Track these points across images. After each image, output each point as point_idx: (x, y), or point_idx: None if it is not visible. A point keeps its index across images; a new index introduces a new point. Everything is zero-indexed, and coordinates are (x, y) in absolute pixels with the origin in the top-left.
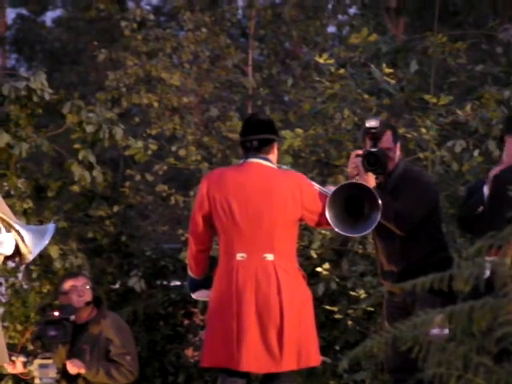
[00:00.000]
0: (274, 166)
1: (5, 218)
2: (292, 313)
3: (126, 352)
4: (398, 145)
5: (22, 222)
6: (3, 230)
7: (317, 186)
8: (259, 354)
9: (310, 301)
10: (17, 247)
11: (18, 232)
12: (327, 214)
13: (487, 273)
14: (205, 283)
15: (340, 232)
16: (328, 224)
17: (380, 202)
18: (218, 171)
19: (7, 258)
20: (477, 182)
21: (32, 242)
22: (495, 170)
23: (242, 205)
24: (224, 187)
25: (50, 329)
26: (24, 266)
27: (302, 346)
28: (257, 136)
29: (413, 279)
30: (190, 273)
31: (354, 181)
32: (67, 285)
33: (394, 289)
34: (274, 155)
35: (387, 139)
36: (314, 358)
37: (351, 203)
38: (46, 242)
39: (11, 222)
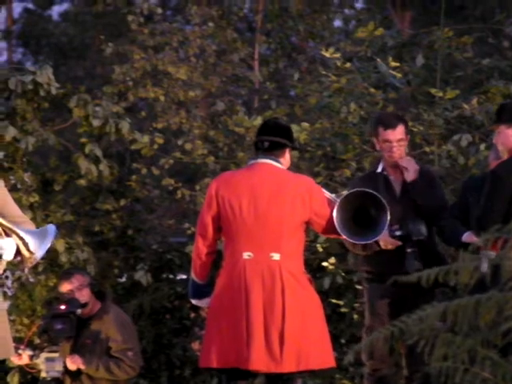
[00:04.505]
0: (283, 168)
1: (5, 223)
2: (294, 315)
3: (128, 348)
4: (408, 137)
5: (26, 219)
6: (3, 234)
7: (326, 193)
8: (263, 352)
9: (316, 304)
10: (17, 250)
11: (19, 237)
12: (334, 219)
13: (485, 267)
14: (207, 289)
15: (347, 238)
16: (335, 232)
17: (388, 208)
18: (227, 173)
19: None
20: (472, 179)
21: (35, 247)
22: (492, 164)
23: (251, 203)
24: (233, 186)
25: (57, 322)
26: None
27: (303, 349)
28: (269, 137)
29: None
30: (192, 276)
31: (362, 188)
32: (63, 288)
33: None
34: (285, 160)
35: (401, 131)
36: (317, 362)
37: (359, 215)
38: (48, 245)
39: (13, 228)
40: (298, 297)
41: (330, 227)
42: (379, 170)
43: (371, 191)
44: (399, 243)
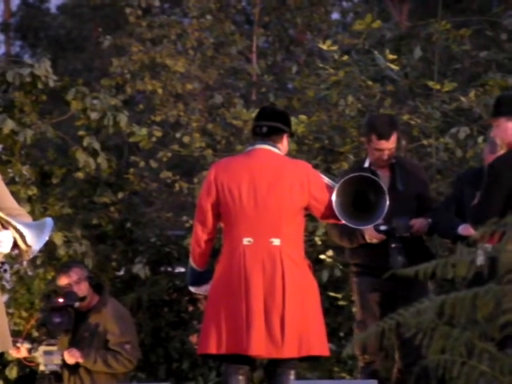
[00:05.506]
0: (281, 153)
1: (2, 215)
2: (294, 300)
3: (125, 341)
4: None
5: (23, 211)
6: (0, 227)
7: (325, 179)
8: (264, 338)
9: (315, 291)
10: (15, 243)
11: (16, 229)
12: (333, 203)
13: (481, 259)
14: (206, 276)
15: (347, 223)
16: (334, 217)
17: (386, 192)
18: (226, 159)
19: None
20: (467, 172)
21: (32, 240)
22: (487, 158)
23: (250, 189)
24: (231, 172)
25: (55, 315)
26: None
27: (303, 335)
28: (267, 123)
29: None
30: (191, 263)
31: (361, 173)
32: (61, 281)
33: None
34: (282, 146)
35: (393, 139)
36: (316, 348)
37: (358, 200)
38: (46, 238)
39: (10, 220)
40: (298, 282)
41: (328, 212)
42: (366, 164)
43: (371, 176)
44: (384, 237)
